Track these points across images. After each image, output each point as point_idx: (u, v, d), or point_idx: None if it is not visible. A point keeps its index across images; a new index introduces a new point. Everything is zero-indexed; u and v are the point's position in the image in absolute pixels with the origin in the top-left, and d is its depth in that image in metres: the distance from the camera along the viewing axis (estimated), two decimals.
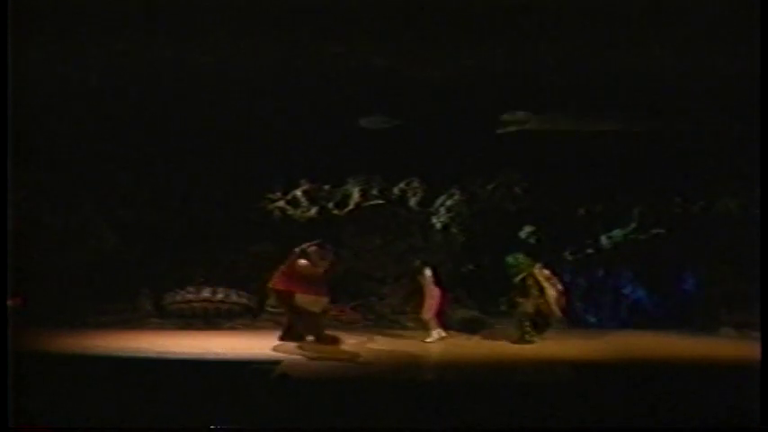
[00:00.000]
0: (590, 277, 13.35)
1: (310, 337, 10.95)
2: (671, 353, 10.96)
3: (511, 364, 10.30)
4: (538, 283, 11.41)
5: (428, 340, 11.52)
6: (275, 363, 9.54)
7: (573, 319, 13.22)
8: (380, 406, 7.85)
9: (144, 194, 13.27)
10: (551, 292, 11.40)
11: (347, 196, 13.20)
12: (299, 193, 13.10)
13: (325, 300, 10.96)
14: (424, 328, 11.65)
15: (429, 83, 12.83)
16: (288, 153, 12.83)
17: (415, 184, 13.19)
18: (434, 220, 13.25)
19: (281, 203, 13.09)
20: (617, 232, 13.12)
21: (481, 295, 13.15)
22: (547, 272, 11.51)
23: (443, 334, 11.58)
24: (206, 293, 13.00)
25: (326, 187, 13.18)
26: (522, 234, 13.09)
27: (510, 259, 11.61)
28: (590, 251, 13.16)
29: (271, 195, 13.07)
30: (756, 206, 10.50)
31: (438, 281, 11.65)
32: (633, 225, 13.08)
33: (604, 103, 12.81)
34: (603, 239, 13.14)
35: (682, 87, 12.76)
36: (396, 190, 13.21)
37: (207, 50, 12.65)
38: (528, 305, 11.33)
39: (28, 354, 8.52)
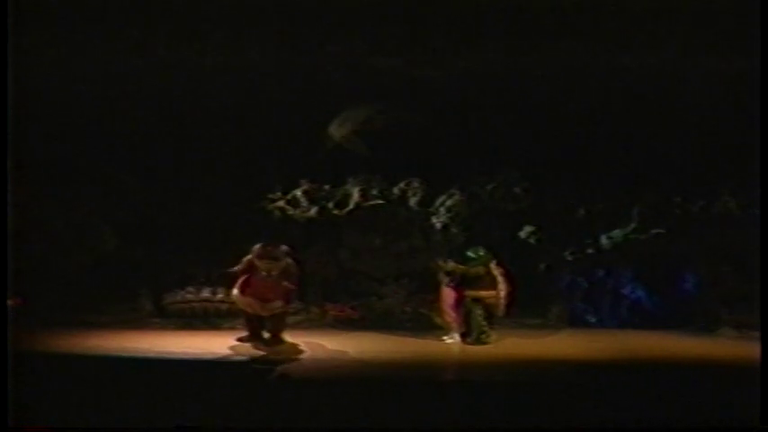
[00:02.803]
0: (590, 277, 13.34)
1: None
2: (671, 353, 10.95)
3: (511, 363, 10.30)
4: (493, 277, 11.42)
5: (446, 340, 11.54)
6: (275, 363, 9.54)
7: (573, 319, 13.25)
8: (381, 406, 7.85)
9: (144, 194, 13.25)
10: (502, 289, 11.39)
11: (347, 196, 13.17)
12: (299, 193, 13.07)
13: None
14: (446, 328, 11.65)
15: (429, 83, 12.85)
16: (288, 153, 12.83)
17: (415, 184, 13.17)
18: (434, 220, 13.23)
19: (281, 203, 13.06)
20: (617, 232, 13.10)
21: None
22: (501, 269, 11.50)
23: (457, 339, 11.53)
24: (206, 293, 12.99)
25: (326, 187, 13.16)
26: (522, 234, 13.07)
27: (470, 252, 11.59)
28: (590, 251, 13.14)
29: (271, 195, 13.05)
30: (756, 206, 10.48)
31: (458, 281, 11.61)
32: (633, 225, 13.05)
33: (603, 103, 12.82)
34: (603, 239, 13.12)
35: (681, 87, 12.78)
36: (396, 190, 13.18)
37: (206, 50, 12.67)
38: (480, 304, 11.32)
39: (28, 354, 8.53)
